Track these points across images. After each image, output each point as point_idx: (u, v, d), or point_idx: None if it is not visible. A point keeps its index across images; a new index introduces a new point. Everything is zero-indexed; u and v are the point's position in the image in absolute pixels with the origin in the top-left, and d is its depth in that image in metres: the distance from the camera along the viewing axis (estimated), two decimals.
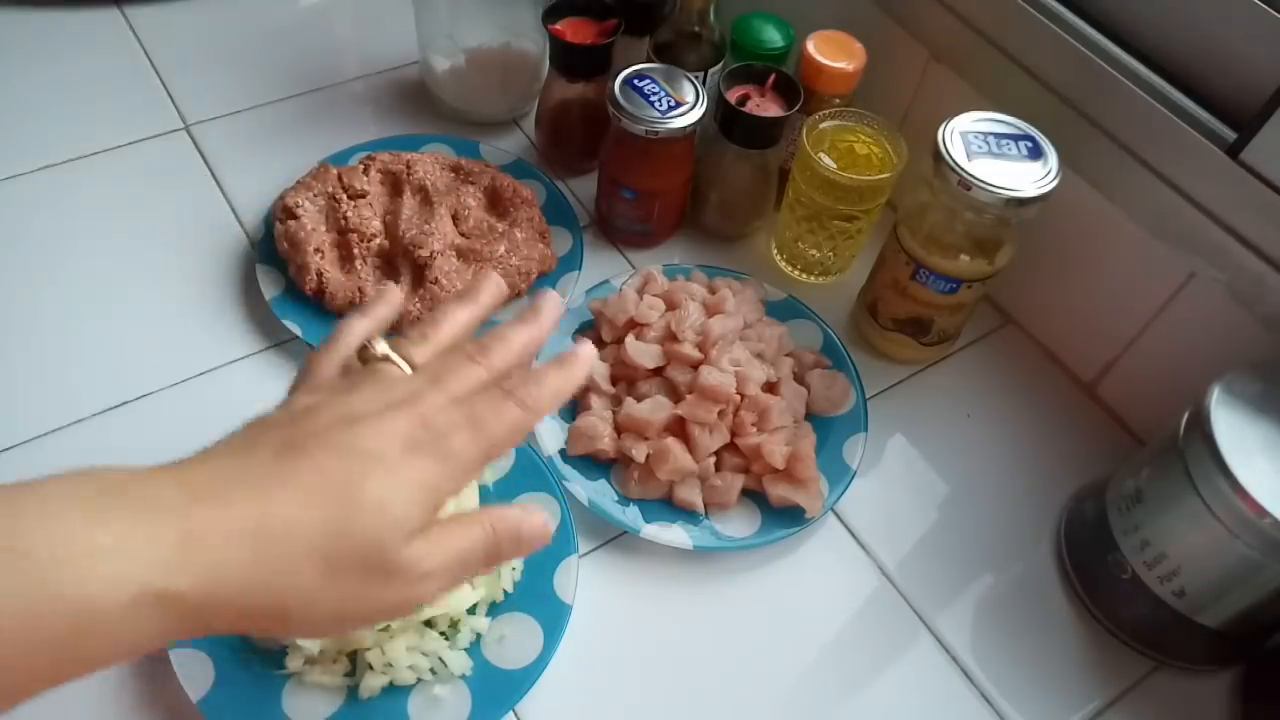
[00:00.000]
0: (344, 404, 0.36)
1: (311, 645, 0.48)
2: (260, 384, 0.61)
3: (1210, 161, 0.52)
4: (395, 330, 0.62)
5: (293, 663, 0.48)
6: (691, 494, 0.56)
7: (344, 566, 0.32)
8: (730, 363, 0.58)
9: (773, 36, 0.70)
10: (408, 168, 0.68)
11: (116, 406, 0.59)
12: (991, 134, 0.56)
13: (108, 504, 0.30)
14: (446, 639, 0.50)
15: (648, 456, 0.56)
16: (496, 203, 0.69)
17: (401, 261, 0.64)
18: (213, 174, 0.72)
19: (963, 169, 0.54)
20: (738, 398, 0.57)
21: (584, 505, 0.56)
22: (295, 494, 0.32)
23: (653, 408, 0.57)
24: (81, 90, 0.76)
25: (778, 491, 0.56)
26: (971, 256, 0.58)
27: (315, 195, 0.66)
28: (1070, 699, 0.53)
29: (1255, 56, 0.52)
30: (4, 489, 0.29)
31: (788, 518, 0.57)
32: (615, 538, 0.57)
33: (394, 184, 0.68)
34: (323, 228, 0.65)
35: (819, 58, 0.66)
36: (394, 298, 0.44)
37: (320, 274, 0.62)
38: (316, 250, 0.63)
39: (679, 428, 0.57)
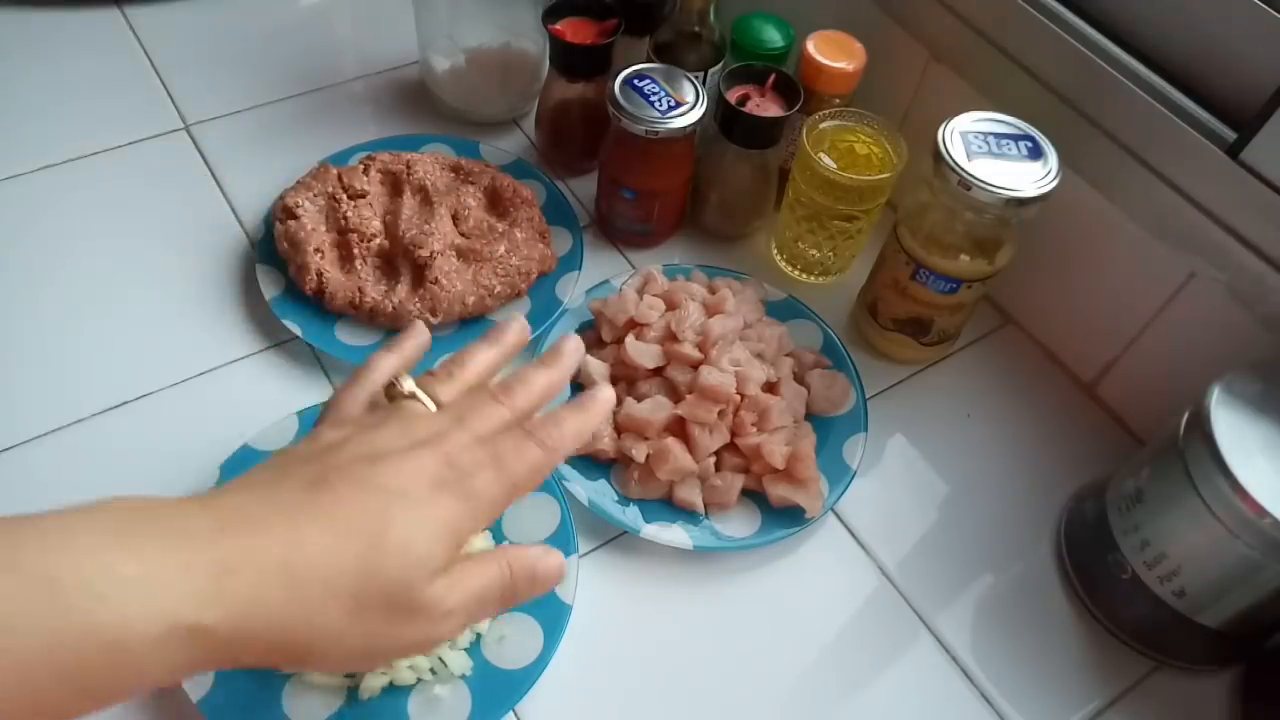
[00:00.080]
0: (371, 440, 0.36)
1: None
2: (260, 384, 0.61)
3: (1210, 161, 0.52)
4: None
5: None
6: (691, 494, 0.56)
7: (370, 605, 0.33)
8: (730, 363, 0.58)
9: (773, 36, 0.70)
10: (408, 168, 0.68)
11: (116, 406, 0.59)
12: (991, 134, 0.56)
13: (138, 533, 0.30)
14: None
15: (648, 456, 0.56)
16: (496, 203, 0.69)
17: (401, 261, 0.64)
18: (213, 174, 0.72)
19: (963, 169, 0.54)
20: (738, 398, 0.57)
21: (584, 505, 0.56)
22: (324, 529, 0.33)
23: (653, 408, 0.57)
24: (81, 90, 0.76)
25: (778, 491, 0.56)
26: (971, 256, 0.58)
27: (315, 195, 0.66)
28: (1070, 699, 0.53)
29: (1255, 56, 0.52)
30: (33, 519, 0.29)
31: (788, 518, 0.57)
32: (615, 538, 0.57)
33: (394, 184, 0.68)
34: (323, 228, 0.65)
35: (819, 58, 0.66)
36: (422, 335, 0.45)
37: (320, 274, 0.62)
38: (316, 250, 0.63)
39: (679, 428, 0.57)
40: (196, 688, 0.47)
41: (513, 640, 0.51)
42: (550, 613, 0.51)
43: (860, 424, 0.61)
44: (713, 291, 0.64)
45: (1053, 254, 0.64)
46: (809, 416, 0.61)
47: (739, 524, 0.57)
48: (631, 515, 0.56)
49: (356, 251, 0.64)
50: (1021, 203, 0.54)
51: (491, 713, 0.48)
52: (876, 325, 0.66)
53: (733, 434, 0.57)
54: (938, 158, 0.55)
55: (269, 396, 0.60)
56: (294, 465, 0.35)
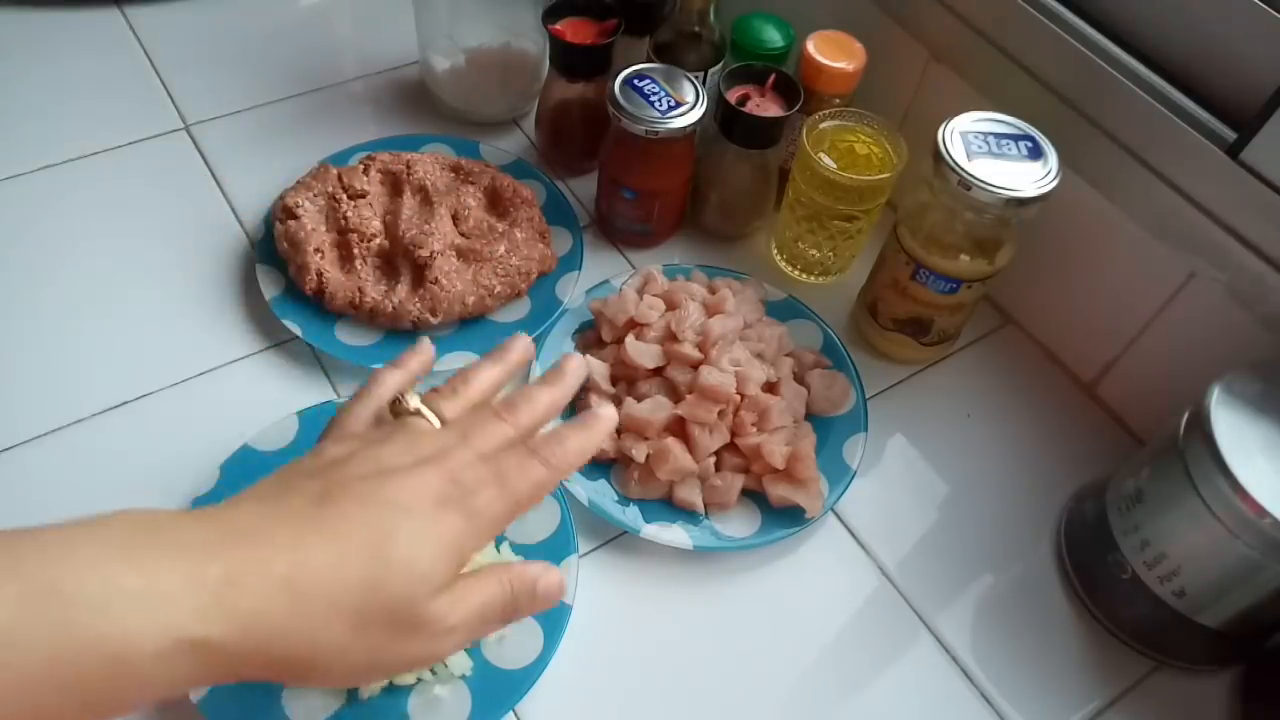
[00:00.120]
0: (376, 456, 0.37)
1: None
2: (260, 384, 0.61)
3: (1210, 161, 0.52)
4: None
5: None
6: (691, 494, 0.56)
7: (374, 621, 0.33)
8: (730, 363, 0.58)
9: (773, 36, 0.70)
10: (408, 168, 0.68)
11: (116, 406, 0.59)
12: (991, 134, 0.56)
13: (142, 545, 0.30)
14: None
15: (648, 456, 0.56)
16: (496, 203, 0.69)
17: (401, 261, 0.64)
18: (213, 174, 0.72)
19: (963, 169, 0.54)
20: (738, 398, 0.57)
21: (584, 505, 0.56)
22: (329, 544, 0.33)
23: (653, 408, 0.57)
24: (81, 90, 0.76)
25: (778, 491, 0.56)
26: (971, 256, 0.58)
27: (315, 195, 0.66)
28: (1070, 699, 0.53)
29: (1255, 56, 0.52)
30: (35, 531, 0.29)
31: (788, 518, 0.57)
32: (615, 538, 0.57)
33: (394, 184, 0.68)
34: (323, 228, 0.65)
35: (819, 58, 0.66)
36: (426, 352, 0.45)
37: (320, 274, 0.62)
38: (316, 250, 0.63)
39: (679, 428, 0.57)
40: (196, 688, 0.47)
41: (513, 640, 0.50)
42: (550, 613, 0.51)
43: (860, 424, 0.61)
44: (713, 291, 0.64)
45: (1053, 254, 0.64)
46: (809, 416, 0.61)
47: (739, 524, 0.57)
48: (631, 515, 0.56)
49: (356, 251, 0.64)
50: (1021, 203, 0.54)
51: (491, 713, 0.48)
52: (876, 325, 0.66)
53: (733, 434, 0.57)
54: (938, 158, 0.55)
55: (269, 396, 0.60)
56: (299, 479, 0.36)
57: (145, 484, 0.55)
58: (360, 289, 0.62)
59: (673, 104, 0.63)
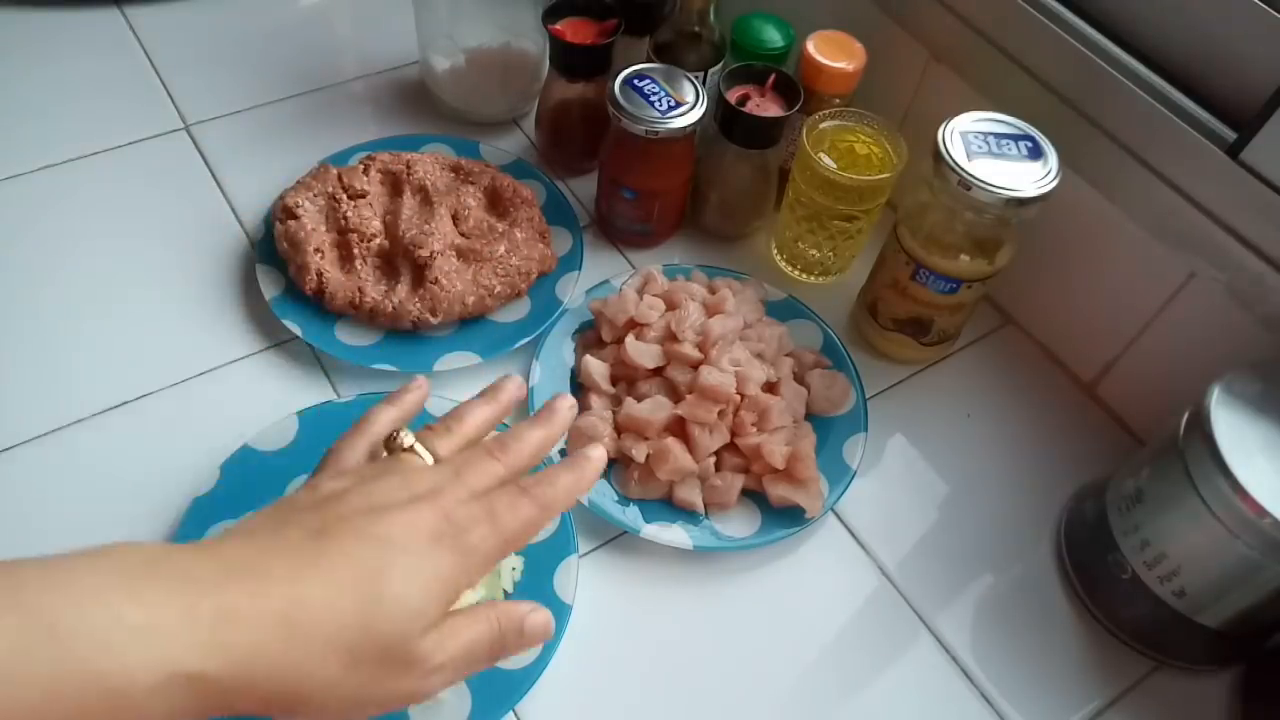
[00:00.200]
0: (370, 492, 0.37)
1: None
2: (260, 384, 0.61)
3: (1210, 161, 0.52)
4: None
5: None
6: (691, 494, 0.56)
7: (365, 658, 0.33)
8: (730, 363, 0.58)
9: (773, 36, 0.70)
10: (408, 168, 0.68)
11: (116, 406, 0.59)
12: (991, 134, 0.56)
13: (143, 578, 0.31)
14: None
15: (648, 456, 0.56)
16: (496, 203, 0.69)
17: (401, 261, 0.64)
18: (213, 174, 0.72)
19: (963, 169, 0.54)
20: (738, 398, 0.57)
21: (584, 505, 0.56)
22: (325, 579, 0.33)
23: (653, 408, 0.57)
24: (81, 90, 0.76)
25: (778, 491, 0.56)
26: (971, 256, 0.58)
27: (315, 195, 0.66)
28: (1070, 699, 0.53)
29: (1255, 56, 0.52)
30: (37, 562, 0.30)
31: (788, 518, 0.57)
32: (615, 538, 0.57)
33: (394, 184, 0.68)
34: (323, 228, 0.65)
35: (819, 58, 0.66)
36: (421, 389, 0.46)
37: (320, 274, 0.62)
38: (316, 250, 0.63)
39: (679, 428, 0.57)
40: None
41: None
42: (550, 613, 0.51)
43: (860, 424, 0.61)
44: (713, 291, 0.64)
45: (1053, 254, 0.64)
46: (809, 416, 0.61)
47: (739, 524, 0.57)
48: (631, 515, 0.56)
49: (356, 251, 0.64)
50: (1021, 203, 0.54)
51: (491, 713, 0.48)
52: (876, 325, 0.66)
53: (733, 434, 0.57)
54: (938, 158, 0.55)
55: (269, 396, 0.60)
56: (295, 513, 0.36)
57: (145, 484, 0.55)
58: (360, 289, 0.62)
59: (673, 104, 0.63)
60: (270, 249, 0.65)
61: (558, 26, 0.68)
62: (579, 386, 0.62)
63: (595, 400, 0.59)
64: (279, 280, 0.64)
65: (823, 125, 0.64)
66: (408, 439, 0.41)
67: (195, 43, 0.81)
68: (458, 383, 0.61)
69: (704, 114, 0.63)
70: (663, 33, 0.70)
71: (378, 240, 0.65)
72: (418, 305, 0.62)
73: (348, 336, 0.62)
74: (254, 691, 0.31)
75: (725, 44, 0.70)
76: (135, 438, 0.58)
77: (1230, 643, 0.53)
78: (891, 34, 0.68)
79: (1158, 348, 0.61)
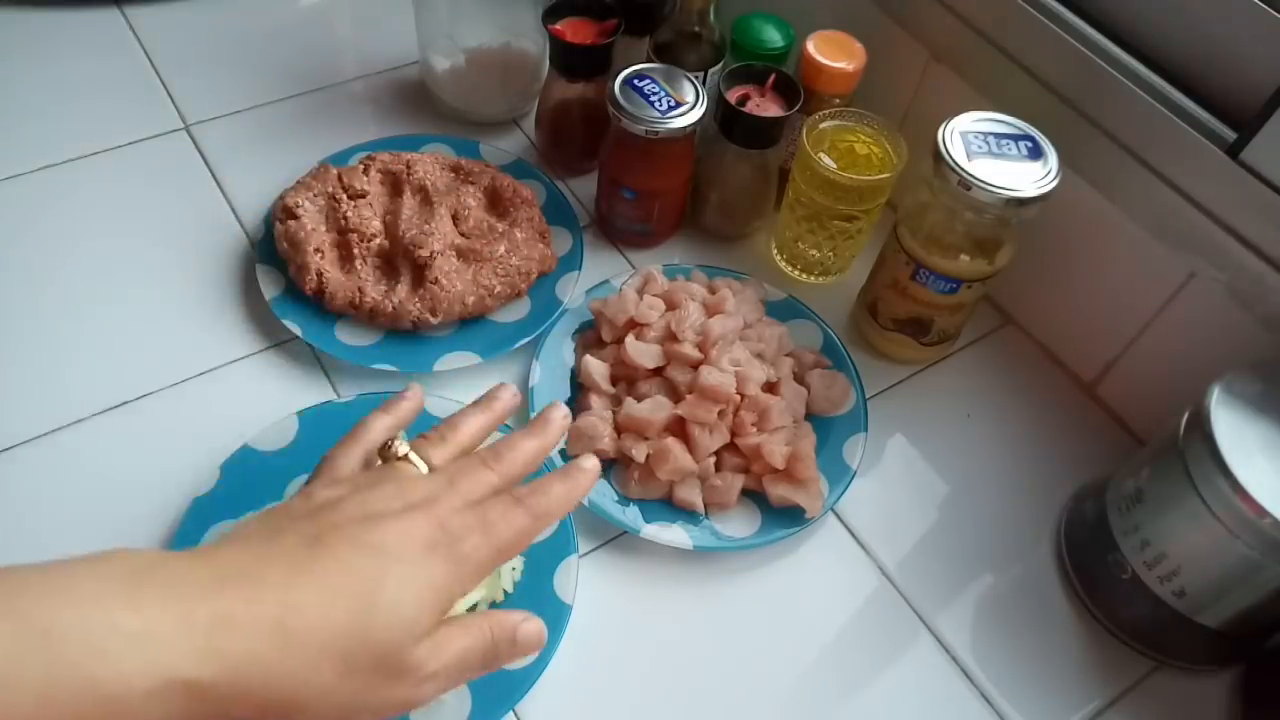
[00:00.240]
0: (365, 500, 0.37)
1: None
2: (260, 384, 0.61)
3: (1210, 161, 0.52)
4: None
5: None
6: (691, 494, 0.56)
7: (359, 665, 0.33)
8: (730, 363, 0.58)
9: (773, 36, 0.70)
10: (408, 168, 0.68)
11: (116, 406, 0.59)
12: (991, 134, 0.56)
13: (139, 584, 0.31)
14: None
15: (648, 456, 0.56)
16: (496, 203, 0.69)
17: (401, 261, 0.64)
18: (213, 174, 0.72)
19: (963, 169, 0.54)
20: (738, 398, 0.57)
21: (584, 505, 0.56)
22: (320, 586, 0.33)
23: (653, 408, 0.57)
24: (81, 90, 0.76)
25: (778, 491, 0.56)
26: (971, 256, 0.58)
27: (315, 195, 0.66)
28: (1070, 699, 0.53)
29: (1255, 56, 0.52)
30: (34, 569, 0.30)
31: (788, 518, 0.57)
32: (615, 538, 0.57)
33: (394, 184, 0.68)
34: (323, 228, 0.65)
35: (819, 58, 0.66)
36: (415, 398, 0.46)
37: (320, 274, 0.62)
38: (316, 250, 0.63)
39: (679, 428, 0.57)
40: None
41: None
42: (550, 613, 0.51)
43: (860, 424, 0.61)
44: (713, 291, 0.64)
45: (1053, 254, 0.64)
46: (809, 416, 0.61)
47: (739, 524, 0.57)
48: (631, 515, 0.56)
49: (356, 251, 0.64)
50: (1021, 203, 0.54)
51: (491, 713, 0.48)
52: (876, 325, 0.66)
53: (733, 434, 0.57)
54: (938, 158, 0.55)
55: (269, 396, 0.60)
56: (290, 521, 0.36)
57: (145, 484, 0.55)
58: (360, 289, 0.62)
59: (673, 104, 0.63)
60: (270, 249, 0.65)
61: (558, 26, 0.68)
62: (579, 386, 0.62)
63: (595, 400, 0.59)
64: (279, 280, 0.64)
65: (823, 125, 0.64)
66: (402, 447, 0.41)
67: (195, 43, 0.81)
68: (458, 383, 0.61)
69: (704, 114, 0.63)
70: (663, 33, 0.70)
71: (378, 240, 0.65)
72: (418, 305, 0.62)
73: (348, 336, 0.62)
74: (249, 698, 0.31)
75: (725, 44, 0.70)
76: (135, 438, 0.58)
77: (1230, 643, 0.53)
78: (891, 34, 0.68)
79: (1158, 348, 0.61)
